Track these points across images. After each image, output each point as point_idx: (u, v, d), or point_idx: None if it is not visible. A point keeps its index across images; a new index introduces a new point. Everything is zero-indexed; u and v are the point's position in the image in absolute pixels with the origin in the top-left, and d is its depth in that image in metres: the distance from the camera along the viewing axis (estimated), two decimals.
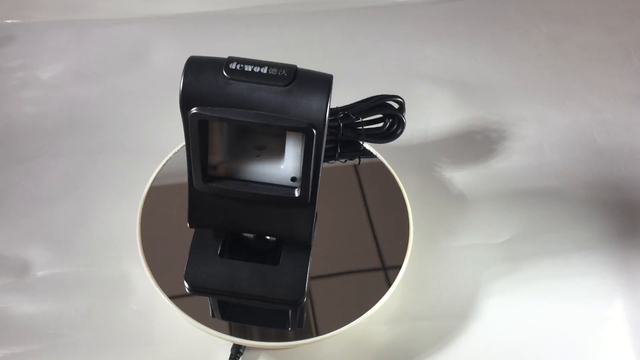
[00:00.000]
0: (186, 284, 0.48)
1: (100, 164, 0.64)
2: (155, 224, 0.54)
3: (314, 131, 0.39)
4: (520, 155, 0.66)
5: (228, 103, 0.38)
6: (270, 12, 0.83)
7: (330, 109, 0.43)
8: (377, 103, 0.56)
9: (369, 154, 0.60)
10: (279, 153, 0.44)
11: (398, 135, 0.57)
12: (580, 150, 0.67)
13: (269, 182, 0.44)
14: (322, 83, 0.39)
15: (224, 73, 0.38)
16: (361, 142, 0.58)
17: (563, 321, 0.54)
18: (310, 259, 0.49)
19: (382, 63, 0.77)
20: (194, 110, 0.39)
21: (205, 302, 0.50)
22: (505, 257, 0.58)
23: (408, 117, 0.70)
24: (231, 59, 0.39)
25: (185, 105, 0.39)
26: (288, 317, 0.50)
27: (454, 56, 0.78)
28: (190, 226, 0.47)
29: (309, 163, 0.41)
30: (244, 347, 0.50)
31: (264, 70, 0.38)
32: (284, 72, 0.38)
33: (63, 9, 0.80)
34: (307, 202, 0.43)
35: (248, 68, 0.38)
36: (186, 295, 0.49)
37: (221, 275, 0.48)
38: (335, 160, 0.58)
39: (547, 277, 0.57)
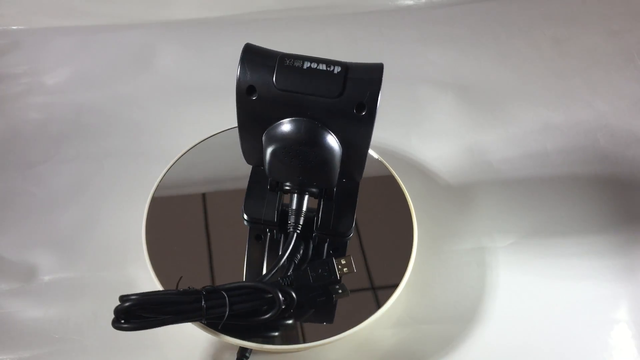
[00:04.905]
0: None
1: (106, 168, 0.64)
2: (161, 229, 0.54)
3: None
4: (524, 158, 0.66)
5: None
6: (275, 17, 0.83)
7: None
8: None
9: (372, 160, 0.60)
10: None
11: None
12: (584, 153, 0.67)
13: None
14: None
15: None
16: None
17: (568, 325, 0.54)
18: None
19: (386, 67, 0.76)
20: None
21: None
22: (510, 260, 0.58)
23: (412, 119, 0.70)
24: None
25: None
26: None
27: (457, 60, 0.78)
28: None
29: None
30: (250, 351, 0.50)
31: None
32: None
33: (68, 14, 0.80)
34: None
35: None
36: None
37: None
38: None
39: (552, 281, 0.57)
